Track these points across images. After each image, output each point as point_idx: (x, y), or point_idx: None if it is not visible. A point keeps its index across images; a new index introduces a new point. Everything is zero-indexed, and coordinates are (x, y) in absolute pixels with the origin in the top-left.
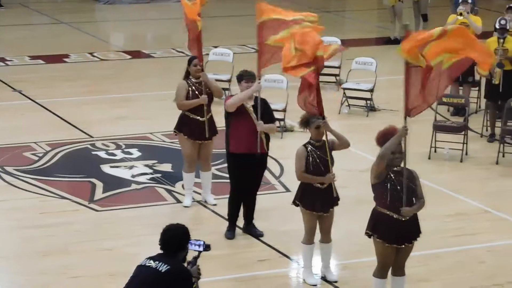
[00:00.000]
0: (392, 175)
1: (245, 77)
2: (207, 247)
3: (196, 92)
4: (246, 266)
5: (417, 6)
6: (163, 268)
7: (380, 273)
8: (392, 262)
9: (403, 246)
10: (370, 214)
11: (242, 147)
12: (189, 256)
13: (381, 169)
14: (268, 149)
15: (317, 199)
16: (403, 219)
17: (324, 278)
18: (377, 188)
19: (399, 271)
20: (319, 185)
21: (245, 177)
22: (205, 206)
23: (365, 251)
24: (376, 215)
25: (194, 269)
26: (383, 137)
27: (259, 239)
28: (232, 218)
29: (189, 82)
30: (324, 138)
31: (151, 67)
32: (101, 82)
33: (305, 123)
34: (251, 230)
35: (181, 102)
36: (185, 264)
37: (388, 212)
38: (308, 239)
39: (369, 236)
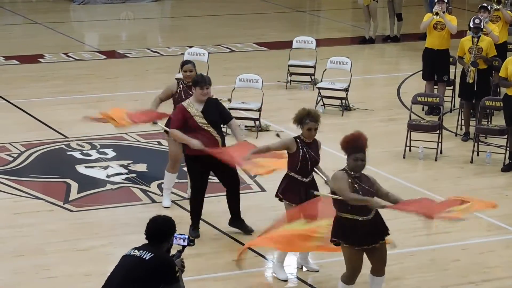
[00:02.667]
0: (353, 180)
1: (200, 83)
2: (191, 242)
3: (183, 96)
4: (220, 265)
5: (391, 5)
6: (147, 256)
7: (348, 279)
8: (361, 267)
9: (374, 245)
10: (334, 222)
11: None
12: (174, 250)
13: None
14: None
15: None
16: (369, 217)
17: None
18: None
19: (379, 271)
20: (301, 178)
21: (202, 177)
22: (181, 207)
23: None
24: (339, 221)
25: (178, 262)
26: (348, 144)
27: (233, 238)
28: (194, 217)
29: (181, 83)
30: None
31: (126, 67)
32: (76, 82)
33: (299, 121)
34: (241, 225)
35: (172, 130)
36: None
37: (351, 216)
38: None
39: (337, 244)
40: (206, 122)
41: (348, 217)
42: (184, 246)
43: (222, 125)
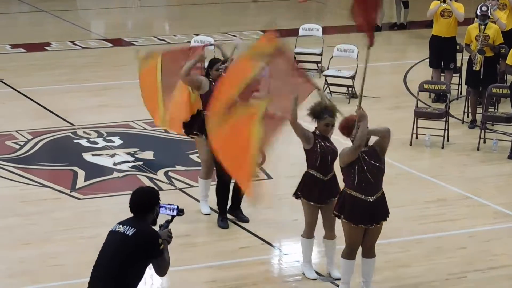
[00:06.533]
0: (360, 155)
1: (216, 64)
2: (180, 211)
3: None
4: (228, 253)
5: None
6: (130, 231)
7: (348, 254)
8: (359, 243)
9: (371, 226)
10: (339, 196)
11: None
12: (163, 220)
13: (354, 157)
14: None
15: (317, 190)
16: (371, 199)
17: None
18: (345, 171)
19: (369, 253)
20: (320, 176)
21: None
22: (185, 193)
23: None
24: (344, 196)
25: (164, 232)
26: (346, 126)
27: (240, 226)
28: (222, 207)
29: (212, 82)
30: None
31: (133, 55)
32: (82, 70)
33: (317, 115)
34: (238, 214)
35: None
36: (157, 227)
37: (355, 193)
38: (308, 233)
39: (338, 217)
40: None
41: (352, 194)
42: (173, 216)
43: None
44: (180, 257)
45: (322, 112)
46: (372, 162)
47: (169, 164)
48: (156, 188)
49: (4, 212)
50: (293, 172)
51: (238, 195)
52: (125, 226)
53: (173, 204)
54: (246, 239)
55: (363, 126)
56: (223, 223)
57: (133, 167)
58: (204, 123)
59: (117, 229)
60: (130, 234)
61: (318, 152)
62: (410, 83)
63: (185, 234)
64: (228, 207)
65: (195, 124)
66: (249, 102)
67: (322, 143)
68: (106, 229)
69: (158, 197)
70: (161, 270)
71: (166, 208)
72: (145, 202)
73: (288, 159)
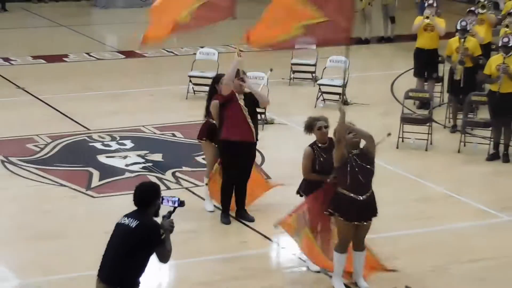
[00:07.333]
0: (352, 158)
1: (237, 75)
2: (181, 203)
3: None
4: (230, 247)
5: (385, 9)
6: (134, 224)
7: (341, 248)
8: (351, 238)
9: (363, 223)
10: (333, 195)
11: (234, 135)
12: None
13: (341, 152)
14: (257, 139)
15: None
16: (362, 198)
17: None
18: (339, 171)
19: (359, 246)
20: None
21: (236, 164)
22: (191, 191)
23: None
24: (338, 195)
25: (167, 223)
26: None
27: (241, 222)
28: (225, 204)
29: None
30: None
31: (143, 66)
32: (97, 79)
33: (309, 127)
34: (243, 215)
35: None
36: (160, 218)
37: (347, 193)
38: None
39: (331, 215)
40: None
41: (345, 193)
42: (175, 207)
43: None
44: (186, 250)
45: (313, 122)
46: (363, 164)
47: (176, 165)
48: (157, 183)
49: (25, 208)
50: (291, 172)
51: (239, 196)
52: (129, 219)
53: (174, 196)
54: (247, 234)
55: (340, 120)
56: (225, 219)
57: (143, 167)
58: (213, 130)
59: (122, 222)
60: (133, 226)
61: (316, 166)
62: (397, 91)
63: (191, 229)
64: (235, 212)
65: (206, 131)
66: None
67: (321, 157)
68: None
69: (158, 191)
70: (164, 258)
71: (168, 200)
72: (146, 197)
73: (284, 159)
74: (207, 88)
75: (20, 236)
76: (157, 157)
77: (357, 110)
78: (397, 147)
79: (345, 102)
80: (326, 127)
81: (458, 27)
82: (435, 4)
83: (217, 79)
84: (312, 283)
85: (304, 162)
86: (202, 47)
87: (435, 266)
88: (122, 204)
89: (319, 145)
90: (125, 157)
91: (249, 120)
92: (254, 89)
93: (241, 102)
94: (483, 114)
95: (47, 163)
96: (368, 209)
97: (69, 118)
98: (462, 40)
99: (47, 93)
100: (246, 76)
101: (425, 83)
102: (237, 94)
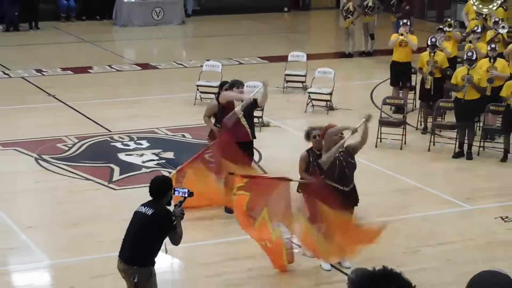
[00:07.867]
0: (340, 155)
1: (236, 85)
2: (190, 194)
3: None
4: (232, 232)
5: (366, 27)
6: (149, 212)
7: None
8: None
9: (346, 211)
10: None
11: (232, 137)
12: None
13: (331, 160)
14: (254, 137)
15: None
16: (346, 189)
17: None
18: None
19: None
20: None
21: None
22: None
23: None
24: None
25: (178, 210)
26: (324, 132)
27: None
28: None
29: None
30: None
31: (157, 76)
32: (117, 88)
33: (307, 135)
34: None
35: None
36: (172, 206)
37: (335, 185)
38: None
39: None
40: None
41: (332, 184)
42: (185, 197)
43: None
44: (194, 235)
45: (309, 131)
46: (349, 159)
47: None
48: (169, 177)
49: (56, 199)
50: (285, 168)
51: None
52: (145, 207)
53: (184, 188)
54: None
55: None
56: (228, 208)
57: (157, 164)
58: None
59: (140, 210)
60: (149, 214)
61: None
62: (376, 98)
63: (198, 217)
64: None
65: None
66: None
67: (314, 160)
68: None
69: (171, 183)
70: (176, 241)
71: (179, 192)
72: (160, 188)
73: (279, 157)
74: (212, 96)
75: (56, 222)
76: (170, 155)
77: (342, 114)
78: (376, 147)
79: (331, 108)
80: (319, 135)
81: (429, 43)
82: (408, 23)
83: (221, 85)
84: (305, 261)
85: (300, 163)
86: (208, 60)
87: (408, 248)
88: (139, 195)
89: (315, 151)
90: (141, 155)
91: (244, 123)
92: (249, 95)
93: (239, 108)
94: (450, 118)
95: (74, 160)
96: (351, 199)
97: (93, 121)
98: (432, 54)
99: (75, 100)
100: (243, 86)
101: (400, 91)
102: (235, 101)
